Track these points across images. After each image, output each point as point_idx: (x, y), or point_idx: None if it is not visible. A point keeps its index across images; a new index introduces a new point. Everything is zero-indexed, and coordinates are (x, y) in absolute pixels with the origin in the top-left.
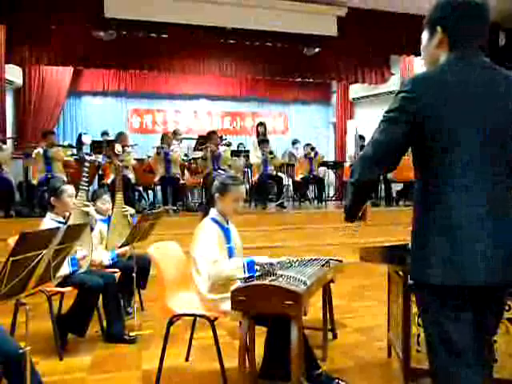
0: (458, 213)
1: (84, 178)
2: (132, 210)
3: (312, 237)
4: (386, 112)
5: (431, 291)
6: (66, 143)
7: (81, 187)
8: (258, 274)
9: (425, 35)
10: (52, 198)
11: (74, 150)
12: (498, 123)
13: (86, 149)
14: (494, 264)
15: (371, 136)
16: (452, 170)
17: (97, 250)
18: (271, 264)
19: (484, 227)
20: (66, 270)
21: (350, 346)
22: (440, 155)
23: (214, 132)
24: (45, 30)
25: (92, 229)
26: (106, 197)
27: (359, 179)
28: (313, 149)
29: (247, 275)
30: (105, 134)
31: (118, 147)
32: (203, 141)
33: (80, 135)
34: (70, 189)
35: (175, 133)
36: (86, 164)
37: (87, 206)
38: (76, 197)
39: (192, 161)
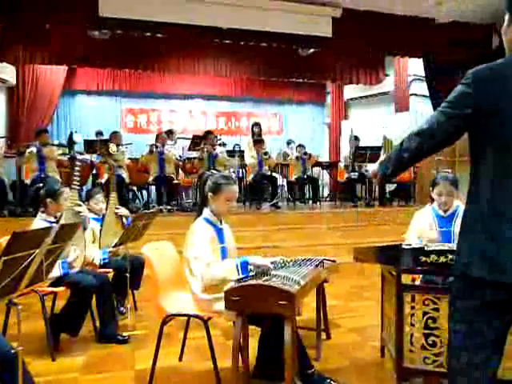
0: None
1: (75, 178)
2: (126, 212)
3: (306, 237)
4: (445, 102)
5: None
6: (56, 142)
7: (72, 187)
8: (251, 274)
9: (506, 18)
10: (48, 200)
11: (66, 150)
12: None
13: (78, 147)
14: None
15: (426, 121)
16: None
17: (89, 249)
18: (266, 265)
19: None
20: (56, 272)
21: (344, 346)
22: (494, 152)
23: (210, 132)
24: (39, 28)
25: (85, 228)
26: (99, 196)
27: (408, 155)
28: (306, 153)
29: (241, 276)
30: (99, 133)
31: (112, 147)
32: (198, 141)
33: (71, 134)
34: (66, 191)
35: (170, 132)
36: (78, 163)
37: (79, 205)
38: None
39: (186, 160)
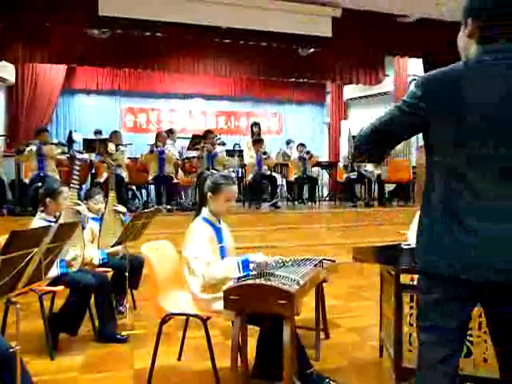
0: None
1: (74, 177)
2: (123, 209)
3: (306, 237)
4: (400, 101)
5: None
6: (55, 141)
7: (71, 186)
8: (252, 273)
9: (462, 27)
10: (48, 199)
11: (65, 149)
12: None
13: (78, 147)
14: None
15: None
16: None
17: (88, 249)
18: (266, 263)
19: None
20: (54, 271)
21: (343, 346)
22: (445, 151)
23: (210, 131)
24: (39, 27)
25: (83, 227)
26: (99, 197)
27: (356, 147)
28: (308, 152)
29: (242, 274)
30: (98, 132)
31: (111, 146)
32: (198, 140)
33: (70, 133)
34: (65, 191)
35: (171, 132)
36: (77, 162)
37: (79, 204)
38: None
39: (186, 160)
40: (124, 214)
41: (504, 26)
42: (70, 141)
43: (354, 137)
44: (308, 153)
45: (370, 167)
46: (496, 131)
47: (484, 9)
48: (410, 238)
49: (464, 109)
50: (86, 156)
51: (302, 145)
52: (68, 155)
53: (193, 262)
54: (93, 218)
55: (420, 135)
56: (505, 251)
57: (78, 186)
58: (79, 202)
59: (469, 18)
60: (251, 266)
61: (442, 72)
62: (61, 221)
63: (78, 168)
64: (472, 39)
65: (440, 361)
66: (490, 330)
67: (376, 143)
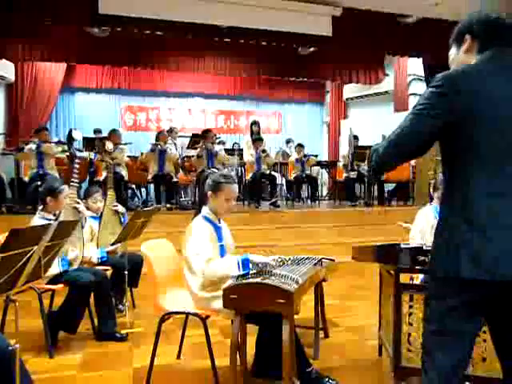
0: (492, 206)
1: (74, 175)
2: (122, 209)
3: (305, 236)
4: (417, 105)
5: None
6: (55, 139)
7: (71, 184)
8: (252, 271)
9: (453, 50)
10: (48, 198)
11: (65, 147)
12: None
13: (78, 145)
14: None
15: (398, 125)
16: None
17: (87, 247)
18: (266, 264)
19: None
20: (55, 269)
21: (342, 345)
22: (473, 153)
23: (209, 130)
24: (38, 25)
25: (82, 226)
26: (98, 195)
27: (379, 162)
28: (305, 155)
29: (241, 272)
30: (97, 131)
31: (108, 144)
32: (197, 139)
33: (70, 131)
34: (66, 189)
35: (171, 131)
36: (77, 160)
37: (78, 202)
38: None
39: (186, 159)
40: (123, 215)
41: (497, 38)
42: (70, 139)
43: (354, 136)
44: (305, 156)
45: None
46: None
47: (481, 27)
48: (415, 237)
49: (491, 105)
50: (85, 154)
51: (301, 145)
52: (67, 153)
53: (193, 259)
54: (92, 217)
55: None
56: None
57: (77, 184)
58: (78, 200)
59: (467, 35)
60: (251, 265)
61: (462, 70)
62: (60, 219)
63: (77, 166)
64: (470, 53)
65: (453, 366)
66: (495, 334)
67: (402, 158)
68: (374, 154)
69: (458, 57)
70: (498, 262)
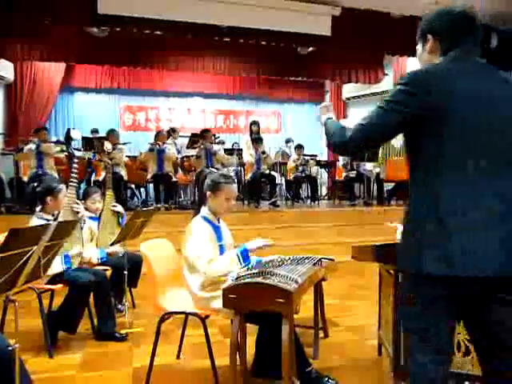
0: (458, 202)
1: (73, 175)
2: (121, 209)
3: (305, 235)
4: (386, 100)
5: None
6: (54, 139)
7: (70, 184)
8: (254, 271)
9: (419, 47)
10: (48, 197)
11: (63, 146)
12: (503, 120)
13: (77, 145)
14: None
15: (367, 116)
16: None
17: (86, 248)
18: (271, 260)
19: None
20: (59, 267)
21: (342, 345)
22: (440, 152)
23: (207, 130)
24: (37, 25)
25: (81, 227)
26: (96, 196)
27: (340, 146)
28: (305, 158)
29: (243, 265)
30: (94, 131)
31: (106, 144)
32: (197, 139)
33: (69, 130)
34: (65, 188)
35: (172, 131)
36: (75, 160)
37: (77, 204)
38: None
39: (185, 159)
40: (122, 216)
41: (462, 37)
42: (68, 138)
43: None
44: (305, 158)
45: (369, 166)
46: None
47: (442, 25)
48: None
49: (460, 105)
50: (83, 154)
51: (300, 146)
52: (66, 153)
53: (195, 261)
54: (91, 218)
55: None
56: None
57: (76, 185)
58: (78, 201)
59: (429, 34)
60: (252, 258)
61: (431, 70)
62: (59, 219)
63: (76, 166)
64: (434, 54)
65: (432, 361)
66: (471, 333)
67: (363, 146)
68: (338, 134)
69: (423, 56)
70: (464, 259)
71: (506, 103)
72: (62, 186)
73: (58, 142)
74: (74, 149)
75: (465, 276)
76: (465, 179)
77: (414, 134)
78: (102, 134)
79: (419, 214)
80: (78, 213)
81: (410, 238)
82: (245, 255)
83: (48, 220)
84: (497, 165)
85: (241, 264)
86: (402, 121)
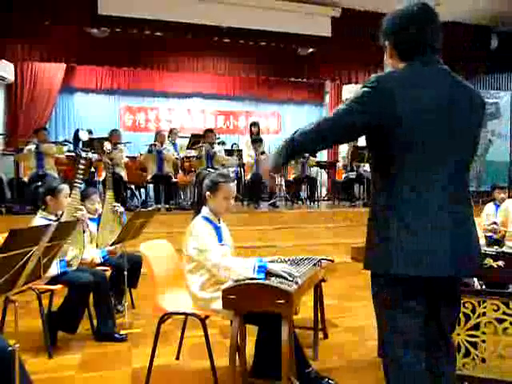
0: (415, 209)
1: (79, 176)
2: (121, 208)
3: (304, 236)
4: (349, 101)
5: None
6: (60, 139)
7: (75, 184)
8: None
9: (387, 51)
10: (48, 197)
11: (71, 146)
12: (462, 127)
13: (80, 145)
14: (457, 255)
15: (328, 116)
16: (410, 169)
17: (88, 249)
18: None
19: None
20: (54, 271)
21: (341, 346)
22: (402, 154)
23: (210, 130)
24: (38, 26)
25: (84, 231)
26: (95, 197)
27: (301, 144)
28: (304, 157)
29: (255, 276)
30: (89, 132)
31: (106, 145)
32: (197, 139)
33: (77, 131)
34: (66, 188)
35: (172, 132)
36: (82, 161)
37: (80, 209)
38: (70, 195)
39: (185, 159)
40: (121, 214)
41: (417, 41)
42: (76, 139)
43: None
44: (304, 157)
45: (368, 167)
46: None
47: (396, 31)
48: None
49: (420, 111)
50: (90, 155)
51: None
52: (73, 153)
53: (205, 254)
54: (90, 219)
55: None
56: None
57: (80, 185)
58: (81, 207)
59: (386, 42)
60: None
61: (395, 76)
62: (63, 220)
63: (83, 167)
64: (394, 60)
65: (412, 357)
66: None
67: (321, 146)
68: (300, 134)
69: (387, 60)
70: (425, 258)
71: (463, 112)
72: (63, 187)
73: (65, 142)
74: (81, 149)
75: (429, 276)
76: (430, 185)
77: (375, 138)
78: (102, 134)
79: (382, 215)
80: (79, 220)
81: (373, 238)
82: (261, 270)
83: (51, 220)
84: (452, 171)
85: (253, 274)
86: (363, 123)
